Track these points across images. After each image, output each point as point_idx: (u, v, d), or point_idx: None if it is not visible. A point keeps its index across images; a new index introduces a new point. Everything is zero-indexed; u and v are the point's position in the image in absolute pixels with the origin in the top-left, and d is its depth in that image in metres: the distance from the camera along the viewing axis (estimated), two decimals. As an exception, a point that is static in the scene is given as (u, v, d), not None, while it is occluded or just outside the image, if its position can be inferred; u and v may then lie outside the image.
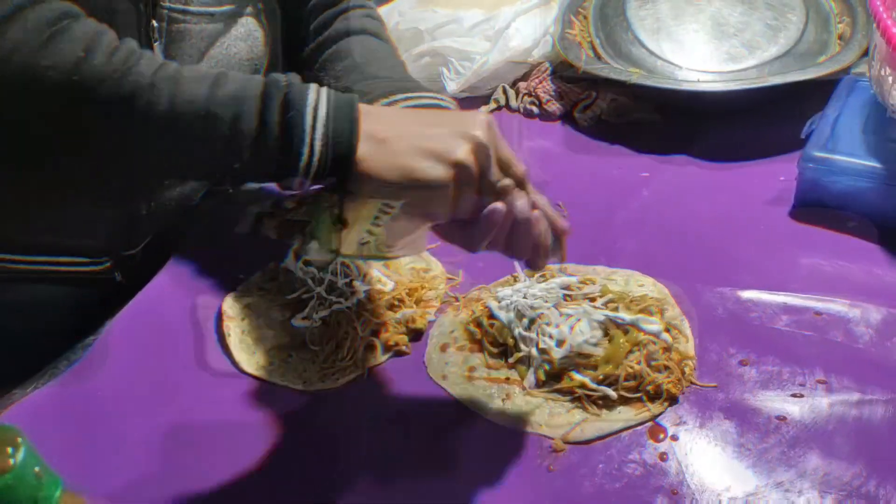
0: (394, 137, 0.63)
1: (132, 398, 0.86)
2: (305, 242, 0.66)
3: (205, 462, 0.79)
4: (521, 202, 0.67)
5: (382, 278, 0.92)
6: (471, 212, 0.66)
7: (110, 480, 0.78)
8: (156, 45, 0.74)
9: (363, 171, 0.63)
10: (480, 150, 0.63)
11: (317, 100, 0.63)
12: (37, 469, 0.38)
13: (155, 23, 0.74)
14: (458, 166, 0.63)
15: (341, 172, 0.63)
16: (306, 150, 0.62)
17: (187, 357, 0.91)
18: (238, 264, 1.01)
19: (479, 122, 0.64)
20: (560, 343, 0.80)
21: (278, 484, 0.77)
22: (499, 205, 0.65)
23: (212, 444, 0.81)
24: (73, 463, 0.79)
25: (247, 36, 0.82)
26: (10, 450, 0.37)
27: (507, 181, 0.66)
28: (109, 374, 0.89)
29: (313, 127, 0.62)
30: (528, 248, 0.69)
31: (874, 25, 0.90)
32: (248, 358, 0.89)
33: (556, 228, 0.72)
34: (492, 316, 0.87)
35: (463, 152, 0.63)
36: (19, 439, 0.38)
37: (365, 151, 0.63)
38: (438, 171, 0.63)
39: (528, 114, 1.25)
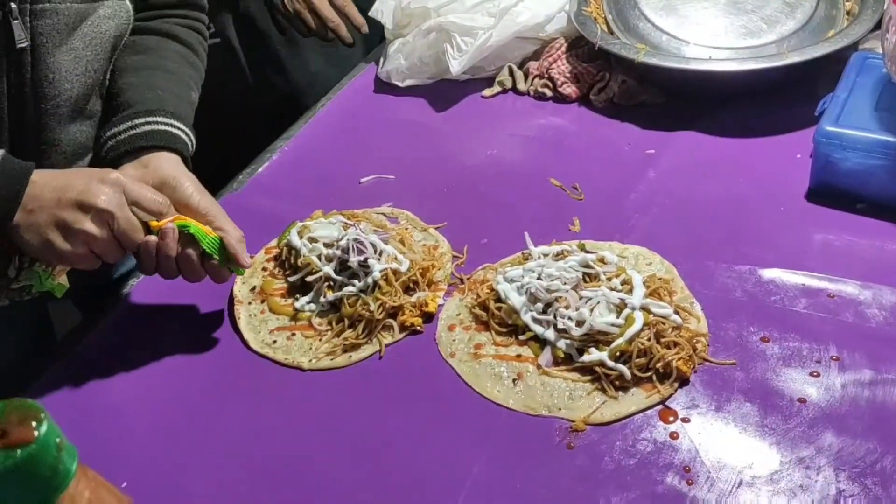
0: (38, 209, 0.77)
1: (141, 377, 0.86)
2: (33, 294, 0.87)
3: (211, 439, 0.79)
4: (153, 240, 0.82)
5: (398, 256, 0.90)
6: (122, 252, 0.81)
7: (120, 455, 0.77)
8: (15, 22, 0.80)
9: (16, 238, 0.78)
10: (103, 216, 0.78)
11: None
12: (58, 440, 0.39)
13: (13, 4, 0.80)
14: (84, 234, 0.78)
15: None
16: None
17: (197, 336, 0.90)
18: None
19: (100, 192, 0.78)
20: (579, 324, 0.80)
21: (284, 458, 0.76)
22: (149, 238, 0.81)
23: (218, 420, 0.81)
24: (87, 432, 0.80)
25: (113, 15, 0.88)
26: (34, 423, 0.40)
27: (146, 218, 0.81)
28: (119, 351, 0.89)
29: None
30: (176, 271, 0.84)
31: (889, -1, 0.89)
32: (255, 337, 0.89)
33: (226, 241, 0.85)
34: (499, 299, 0.86)
35: (87, 224, 0.78)
36: (42, 414, 0.41)
37: (18, 220, 0.77)
38: (67, 246, 0.78)
39: (540, 97, 1.24)
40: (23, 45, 0.81)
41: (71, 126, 0.90)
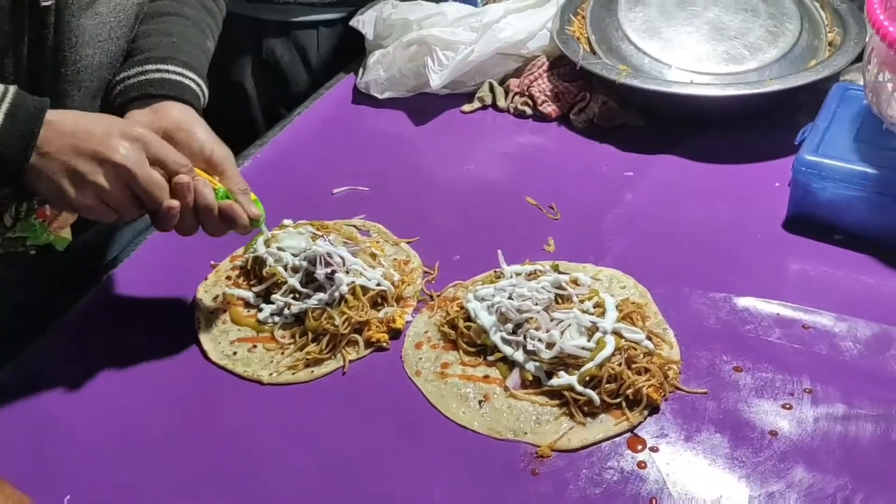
0: (53, 152, 0.73)
1: (94, 385, 0.83)
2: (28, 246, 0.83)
3: (164, 452, 0.76)
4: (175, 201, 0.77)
5: (366, 271, 0.88)
6: (141, 209, 0.77)
7: (67, 466, 0.74)
8: None
9: (29, 182, 0.74)
10: (119, 171, 0.73)
11: None
12: None
13: None
14: (96, 187, 0.73)
15: (9, 179, 0.74)
16: None
17: (155, 343, 0.87)
18: (210, 249, 0.97)
19: (119, 147, 0.74)
20: (549, 346, 0.78)
21: (240, 474, 0.73)
22: (172, 203, 0.77)
23: (172, 433, 0.78)
24: (34, 442, 0.76)
25: None
26: None
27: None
28: (73, 357, 0.86)
29: None
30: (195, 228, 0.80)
31: (870, 28, 0.89)
32: (214, 348, 0.86)
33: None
34: (468, 318, 0.84)
35: (100, 178, 0.73)
36: None
37: (33, 163, 0.73)
38: (78, 197, 0.74)
39: (520, 115, 1.23)
40: (47, 3, 0.78)
41: (95, 100, 0.88)
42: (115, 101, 0.86)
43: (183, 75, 0.87)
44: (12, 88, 0.73)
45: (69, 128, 0.74)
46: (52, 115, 0.74)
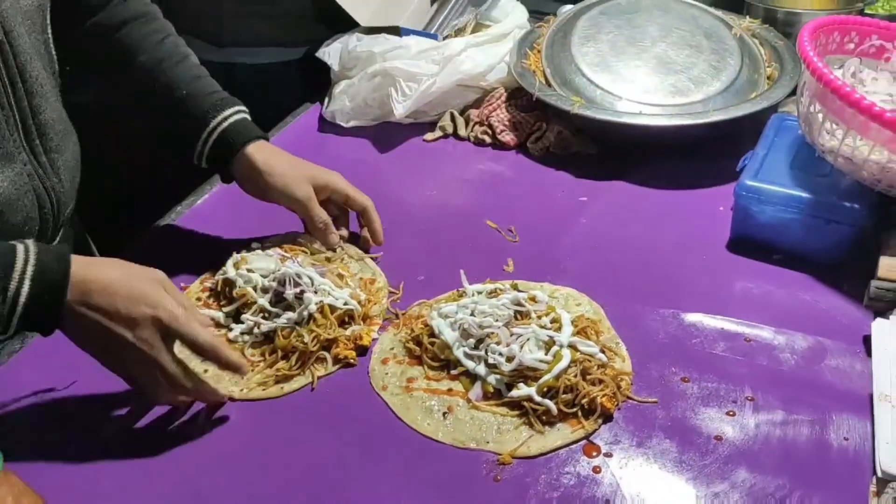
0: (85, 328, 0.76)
1: (65, 403, 0.85)
2: None
3: (135, 467, 0.78)
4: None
5: (334, 291, 0.91)
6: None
7: (34, 480, 0.75)
8: None
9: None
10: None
11: (17, 289, 0.74)
12: None
13: None
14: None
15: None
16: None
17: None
18: (181, 271, 1.00)
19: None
20: (509, 359, 0.82)
21: (211, 488, 0.76)
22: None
23: (143, 449, 0.80)
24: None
25: None
26: None
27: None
28: (47, 374, 0.87)
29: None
30: None
31: (802, 64, 0.96)
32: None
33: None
34: (432, 334, 0.88)
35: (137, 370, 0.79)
36: None
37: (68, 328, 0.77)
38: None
39: (480, 143, 1.28)
40: (0, 37, 0.82)
41: (53, 102, 0.91)
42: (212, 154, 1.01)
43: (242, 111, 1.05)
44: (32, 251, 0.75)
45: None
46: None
